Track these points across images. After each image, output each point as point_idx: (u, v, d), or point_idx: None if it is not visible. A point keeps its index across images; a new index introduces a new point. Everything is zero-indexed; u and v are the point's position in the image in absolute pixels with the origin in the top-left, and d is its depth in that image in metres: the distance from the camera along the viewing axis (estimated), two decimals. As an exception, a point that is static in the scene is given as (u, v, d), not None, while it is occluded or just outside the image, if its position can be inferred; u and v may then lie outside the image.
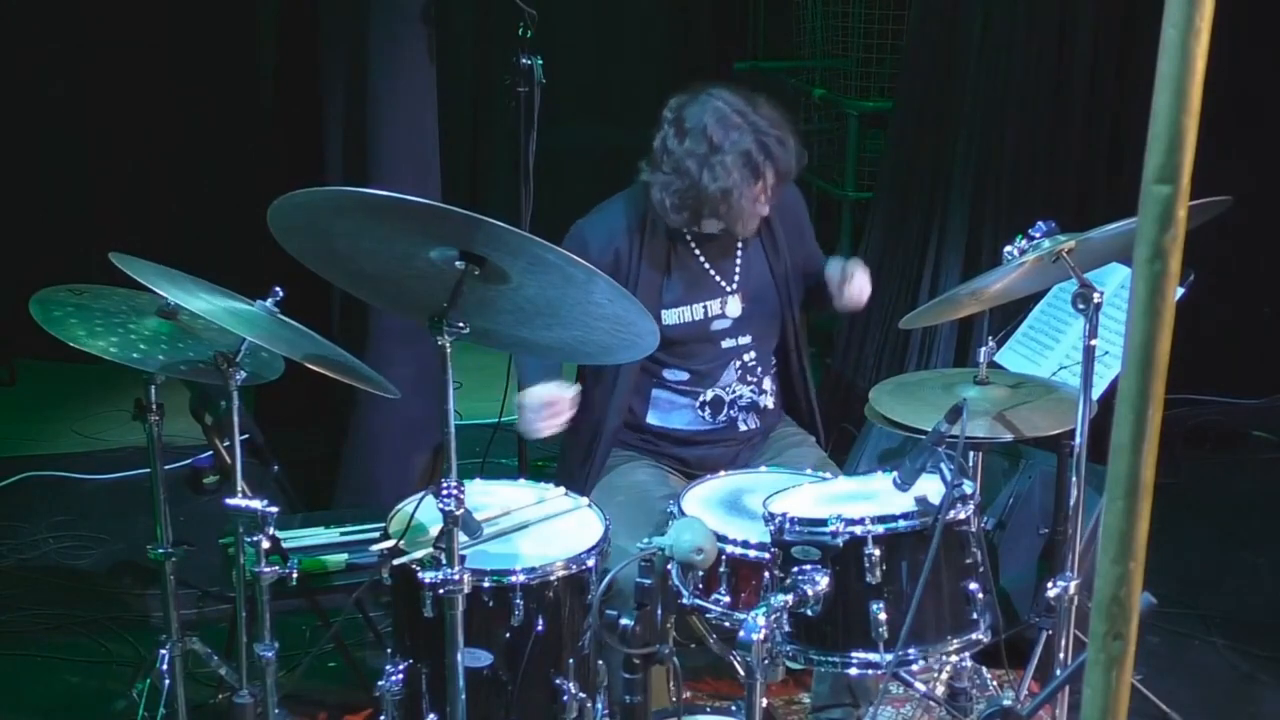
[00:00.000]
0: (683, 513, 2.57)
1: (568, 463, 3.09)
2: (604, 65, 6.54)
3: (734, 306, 3.03)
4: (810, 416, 3.22)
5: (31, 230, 5.53)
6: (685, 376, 3.03)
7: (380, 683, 2.43)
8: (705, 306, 3.01)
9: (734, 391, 3.06)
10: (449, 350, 2.12)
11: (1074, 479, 2.48)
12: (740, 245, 3.05)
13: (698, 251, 3.02)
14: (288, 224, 2.11)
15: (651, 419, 3.06)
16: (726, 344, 3.04)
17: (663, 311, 2.97)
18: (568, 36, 6.11)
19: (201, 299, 2.39)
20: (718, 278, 3.03)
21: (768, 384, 3.11)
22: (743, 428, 3.08)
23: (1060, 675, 2.46)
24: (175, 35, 5.60)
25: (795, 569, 2.30)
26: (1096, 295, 2.40)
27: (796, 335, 3.13)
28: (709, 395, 3.04)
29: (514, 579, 2.36)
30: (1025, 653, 3.02)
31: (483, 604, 2.34)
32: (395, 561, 2.34)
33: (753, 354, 3.06)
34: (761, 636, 2.10)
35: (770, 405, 3.12)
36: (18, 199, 5.54)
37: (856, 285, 2.98)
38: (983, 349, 2.68)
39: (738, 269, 3.04)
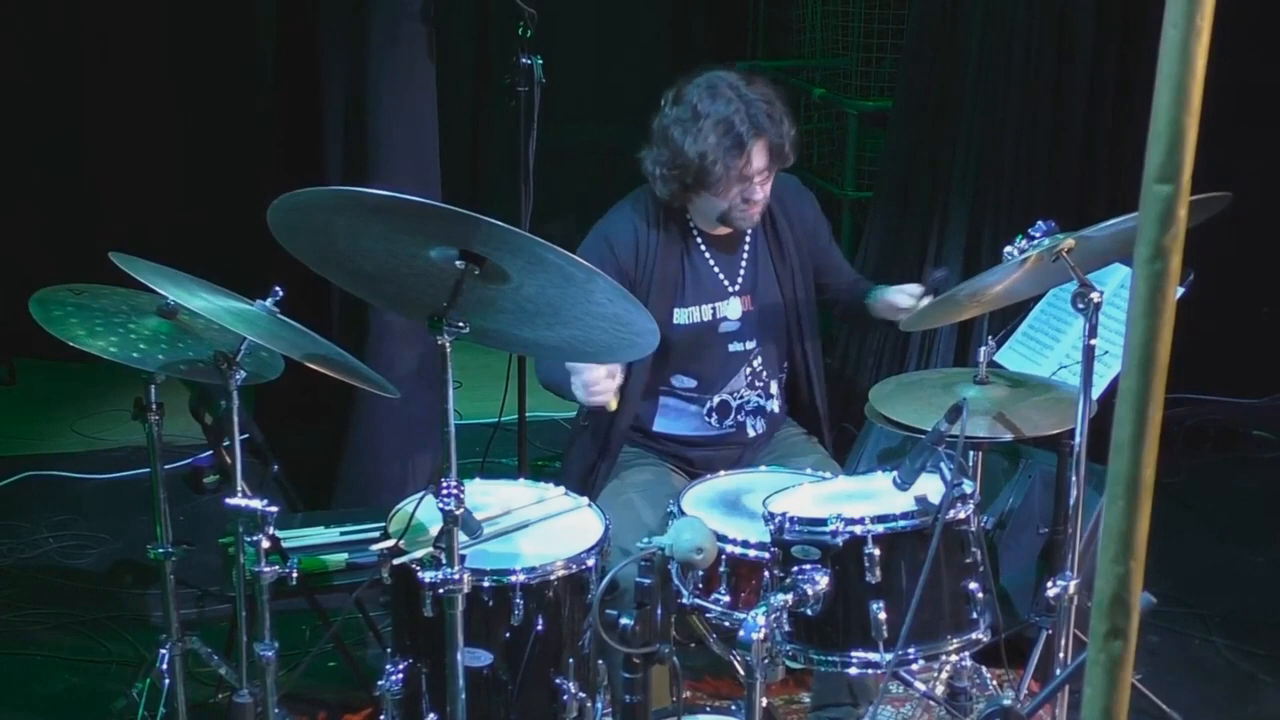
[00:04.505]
0: (683, 512, 2.57)
1: (573, 468, 3.08)
2: (604, 65, 6.54)
3: (735, 308, 3.02)
4: (815, 421, 3.19)
5: (31, 230, 5.53)
6: (693, 384, 3.03)
7: (380, 682, 2.43)
8: (714, 308, 3.01)
9: (741, 396, 3.05)
10: (449, 349, 2.12)
11: (1074, 478, 2.48)
12: (746, 246, 3.04)
13: (705, 251, 3.01)
14: (288, 224, 2.11)
15: (659, 426, 3.06)
16: (734, 348, 3.03)
17: (675, 310, 2.96)
18: (568, 36, 6.11)
19: (201, 298, 2.39)
20: (722, 278, 3.02)
21: (774, 388, 3.11)
22: (751, 433, 3.08)
23: (1060, 675, 2.46)
24: (175, 35, 5.61)
25: (795, 568, 2.30)
26: (1096, 294, 2.40)
27: (805, 340, 3.11)
28: (715, 401, 3.03)
29: (514, 578, 2.36)
30: (1025, 652, 3.03)
31: (483, 603, 2.34)
32: (395, 561, 2.34)
33: (760, 359, 3.06)
34: (761, 636, 2.10)
35: (776, 410, 3.11)
36: (18, 199, 5.54)
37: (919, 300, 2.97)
38: (983, 348, 2.67)
39: (742, 270, 3.03)
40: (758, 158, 2.83)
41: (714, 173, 2.81)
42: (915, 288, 2.99)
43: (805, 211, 3.14)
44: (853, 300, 3.17)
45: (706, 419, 3.04)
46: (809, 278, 3.11)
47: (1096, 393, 2.58)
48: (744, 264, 3.04)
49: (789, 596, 2.23)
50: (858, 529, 2.29)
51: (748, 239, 3.05)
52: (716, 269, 3.02)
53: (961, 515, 2.35)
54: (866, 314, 3.10)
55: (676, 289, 2.97)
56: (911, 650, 2.30)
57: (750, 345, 3.04)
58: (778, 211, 3.04)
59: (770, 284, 3.06)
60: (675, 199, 2.92)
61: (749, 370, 3.05)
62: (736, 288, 3.03)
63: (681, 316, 2.98)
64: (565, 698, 2.41)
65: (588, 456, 3.03)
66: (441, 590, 2.15)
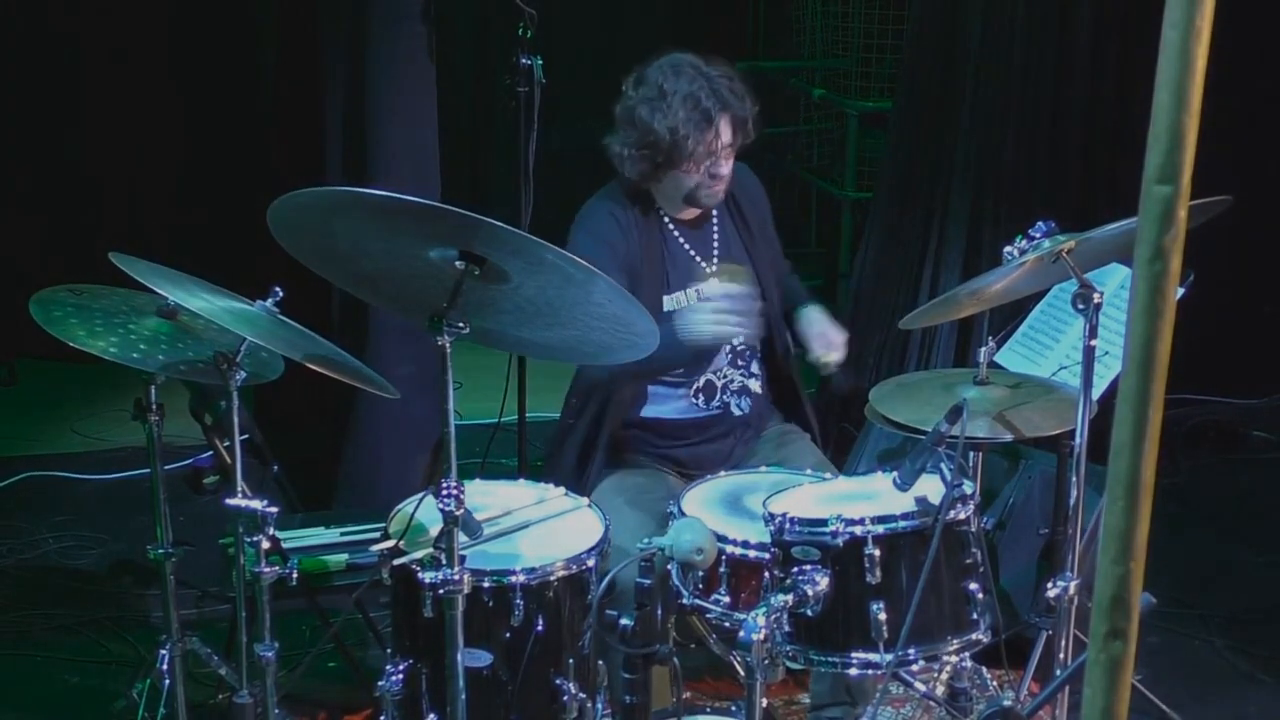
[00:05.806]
0: (683, 513, 2.57)
1: (560, 466, 3.07)
2: (604, 65, 6.53)
3: (714, 288, 3.03)
4: (798, 405, 3.20)
5: (31, 230, 5.53)
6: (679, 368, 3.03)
7: (380, 683, 2.42)
8: (697, 290, 3.02)
9: (725, 376, 3.06)
10: (449, 350, 2.12)
11: (1074, 479, 2.48)
12: (715, 225, 3.07)
13: (678, 235, 3.04)
14: (288, 224, 2.11)
15: (646, 412, 3.06)
16: None
17: (664, 298, 2.98)
18: (568, 36, 6.11)
19: (201, 299, 2.39)
20: (698, 259, 3.05)
21: (755, 367, 3.12)
22: (736, 412, 3.08)
23: (1060, 675, 2.46)
24: (176, 35, 5.61)
25: (795, 569, 2.30)
26: (1096, 295, 2.40)
27: (775, 317, 3.13)
28: (701, 381, 3.04)
29: (514, 579, 2.36)
30: (1025, 653, 3.02)
31: (483, 604, 2.34)
32: (395, 561, 2.34)
33: (740, 336, 3.06)
34: (761, 636, 2.10)
35: (759, 389, 3.12)
36: (18, 199, 5.54)
37: (831, 358, 2.98)
38: (983, 349, 2.67)
39: (715, 250, 3.06)
40: (724, 131, 2.89)
41: (685, 147, 2.87)
42: (837, 336, 2.99)
43: (759, 195, 3.21)
44: (784, 299, 3.19)
45: (694, 400, 3.04)
46: (778, 258, 3.19)
47: (1096, 393, 2.58)
48: (716, 243, 3.08)
49: (789, 597, 2.23)
50: (858, 529, 2.29)
51: (715, 218, 3.08)
52: (691, 251, 3.04)
53: (961, 516, 2.35)
54: (790, 323, 3.13)
55: (662, 276, 2.99)
56: (911, 651, 2.30)
57: None
58: (739, 193, 3.10)
59: (743, 260, 3.09)
60: (645, 180, 2.96)
61: (729, 348, 3.05)
62: (714, 268, 3.04)
63: (670, 304, 2.99)
64: (565, 698, 2.41)
65: (575, 455, 3.03)
66: (441, 591, 2.15)
